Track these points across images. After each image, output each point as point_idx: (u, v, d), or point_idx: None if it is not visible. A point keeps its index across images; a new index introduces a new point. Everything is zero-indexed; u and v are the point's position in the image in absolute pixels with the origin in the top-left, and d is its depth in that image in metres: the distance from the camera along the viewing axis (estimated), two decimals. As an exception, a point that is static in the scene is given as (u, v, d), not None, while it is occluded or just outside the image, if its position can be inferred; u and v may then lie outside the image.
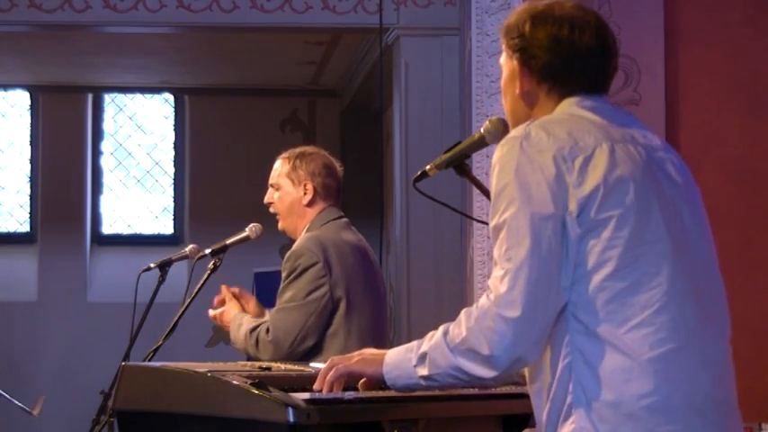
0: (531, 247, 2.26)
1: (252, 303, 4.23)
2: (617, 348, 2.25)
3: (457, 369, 2.34)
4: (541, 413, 2.35)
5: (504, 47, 2.53)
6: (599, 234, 2.27)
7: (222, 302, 4.22)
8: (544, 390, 2.33)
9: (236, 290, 4.25)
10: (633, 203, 2.30)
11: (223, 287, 4.23)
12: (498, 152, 2.36)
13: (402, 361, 2.44)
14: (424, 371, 2.39)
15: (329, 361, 2.61)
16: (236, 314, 4.16)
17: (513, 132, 2.37)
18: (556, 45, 2.43)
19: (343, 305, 4.04)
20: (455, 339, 2.33)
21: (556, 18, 2.44)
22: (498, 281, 2.28)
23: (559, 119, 2.39)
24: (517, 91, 2.48)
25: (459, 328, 2.33)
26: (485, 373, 2.31)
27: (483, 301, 2.31)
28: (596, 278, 2.27)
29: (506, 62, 2.52)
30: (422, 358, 2.39)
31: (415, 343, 2.43)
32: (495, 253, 2.32)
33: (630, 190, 2.30)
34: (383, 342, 4.19)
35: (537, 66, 2.45)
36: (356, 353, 2.60)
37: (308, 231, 4.17)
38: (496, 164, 2.34)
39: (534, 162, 2.30)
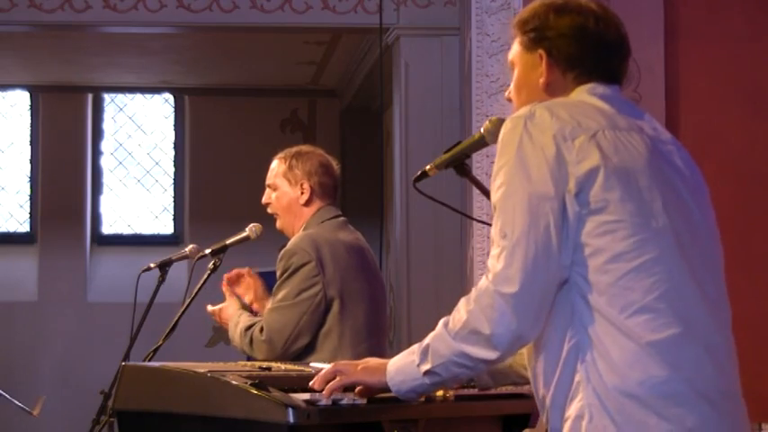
0: (528, 224, 2.27)
1: (259, 288, 4.22)
2: (621, 332, 2.25)
3: (460, 355, 2.34)
4: (545, 394, 2.35)
5: (517, 41, 2.52)
6: (599, 216, 2.28)
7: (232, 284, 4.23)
8: (549, 370, 2.33)
9: (243, 271, 4.25)
10: (634, 189, 2.30)
11: (224, 285, 4.23)
12: (503, 130, 2.37)
13: (404, 365, 2.44)
14: (427, 365, 2.39)
15: (333, 365, 2.61)
16: (234, 311, 4.17)
17: (519, 112, 2.38)
18: (583, 34, 2.45)
19: (336, 304, 4.04)
20: (456, 326, 2.34)
21: (581, 9, 2.47)
22: (495, 259, 2.30)
23: (566, 102, 2.41)
24: (542, 80, 2.48)
25: (459, 313, 2.35)
26: (487, 354, 2.31)
27: (482, 282, 2.32)
28: (598, 261, 2.27)
29: (521, 56, 2.52)
30: (424, 353, 2.40)
31: (415, 345, 2.44)
32: (493, 231, 2.33)
33: (632, 176, 2.31)
34: (381, 342, 4.18)
35: (563, 55, 2.46)
36: (361, 361, 2.60)
37: (304, 230, 4.17)
38: (500, 141, 2.36)
39: (536, 142, 2.31)
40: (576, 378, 2.28)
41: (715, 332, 2.34)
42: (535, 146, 2.30)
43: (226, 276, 4.24)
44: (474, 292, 2.33)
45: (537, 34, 2.48)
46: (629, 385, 2.23)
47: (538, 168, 2.29)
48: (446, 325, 2.37)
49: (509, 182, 2.31)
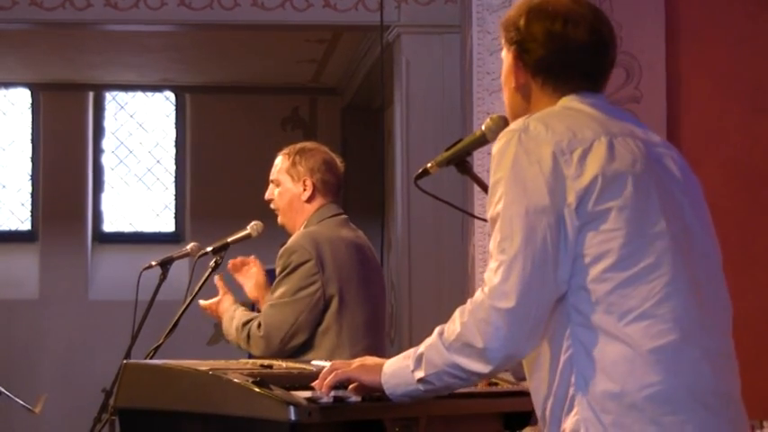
0: (526, 239, 2.27)
1: (261, 277, 4.22)
2: (619, 339, 2.25)
3: (453, 366, 2.34)
4: (544, 409, 2.35)
5: (502, 40, 2.54)
6: (598, 226, 2.28)
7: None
8: (545, 384, 2.33)
9: (249, 259, 4.25)
10: (632, 195, 2.30)
11: (217, 279, 4.23)
12: (497, 144, 2.37)
13: (400, 369, 2.44)
14: (420, 373, 2.39)
15: (330, 364, 2.62)
16: (228, 306, 4.18)
17: (512, 125, 2.38)
18: (549, 39, 2.45)
19: (335, 302, 4.04)
20: (450, 337, 2.34)
21: (551, 12, 2.46)
22: (492, 273, 2.29)
23: (558, 112, 2.41)
24: (513, 84, 2.50)
25: (454, 324, 2.35)
26: (480, 367, 2.32)
27: (477, 294, 2.32)
28: (596, 270, 2.27)
29: (506, 55, 2.54)
30: (418, 360, 2.40)
31: (411, 350, 2.44)
32: (491, 245, 2.33)
33: (629, 182, 2.31)
34: (380, 339, 4.19)
35: (530, 60, 2.47)
36: (357, 360, 2.60)
37: (305, 228, 4.17)
38: (495, 156, 2.35)
39: (531, 155, 2.30)
40: (571, 391, 2.28)
41: (713, 336, 2.34)
42: (531, 160, 2.30)
43: (231, 262, 4.24)
44: (469, 304, 2.32)
45: (511, 36, 2.50)
46: (626, 393, 2.24)
47: (534, 183, 2.28)
48: (441, 334, 2.37)
49: (506, 196, 2.30)
